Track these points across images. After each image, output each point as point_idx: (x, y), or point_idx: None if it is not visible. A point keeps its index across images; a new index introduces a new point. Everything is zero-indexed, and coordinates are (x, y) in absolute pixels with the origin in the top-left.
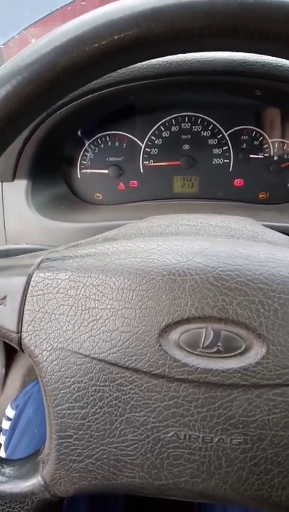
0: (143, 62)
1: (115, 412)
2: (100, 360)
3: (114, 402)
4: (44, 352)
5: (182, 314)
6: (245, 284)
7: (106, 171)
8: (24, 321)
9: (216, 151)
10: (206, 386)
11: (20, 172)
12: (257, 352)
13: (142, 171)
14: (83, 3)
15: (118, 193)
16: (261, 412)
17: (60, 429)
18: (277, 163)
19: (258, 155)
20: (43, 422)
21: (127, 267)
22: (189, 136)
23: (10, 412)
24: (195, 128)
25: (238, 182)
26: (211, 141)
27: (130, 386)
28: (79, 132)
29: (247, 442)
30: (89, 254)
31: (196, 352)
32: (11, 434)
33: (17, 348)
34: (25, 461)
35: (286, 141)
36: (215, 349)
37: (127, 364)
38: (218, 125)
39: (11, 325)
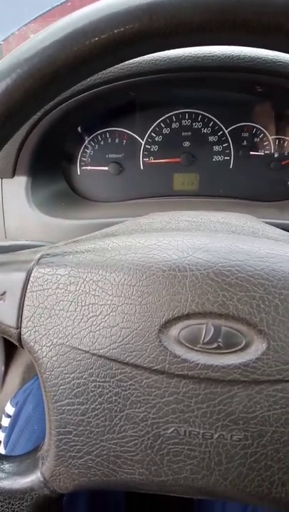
0: (143, 58)
1: (115, 408)
2: (100, 356)
3: (114, 398)
4: (44, 348)
5: (182, 310)
6: (246, 280)
7: (106, 168)
8: (24, 317)
9: (216, 148)
10: (206, 382)
11: (20, 168)
12: (257, 348)
13: (142, 168)
14: None
15: (118, 190)
16: (261, 408)
17: (59, 425)
18: (277, 161)
19: (258, 152)
20: (43, 418)
21: (127, 263)
22: (189, 133)
23: (9, 409)
24: (195, 125)
25: (238, 179)
26: (211, 138)
27: (130, 382)
28: (79, 128)
29: (247, 438)
30: (89, 249)
31: (196, 348)
32: (10, 430)
33: (16, 343)
34: (25, 458)
35: (287, 138)
36: (215, 345)
37: (127, 360)
38: (218, 122)
39: (10, 320)
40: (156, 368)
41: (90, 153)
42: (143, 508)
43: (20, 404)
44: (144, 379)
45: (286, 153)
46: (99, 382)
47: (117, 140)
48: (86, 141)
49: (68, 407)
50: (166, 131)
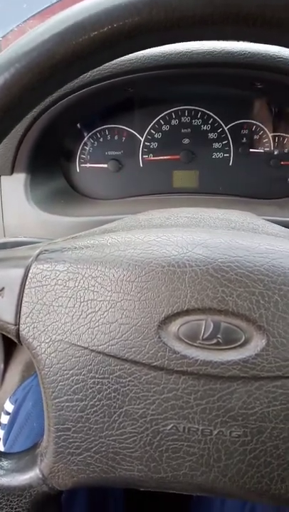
0: (143, 54)
1: (114, 405)
2: (99, 353)
3: (113, 394)
4: (42, 344)
5: (182, 306)
6: (246, 276)
7: (105, 165)
8: (22, 313)
9: (215, 145)
10: (206, 378)
11: (18, 165)
12: (257, 344)
13: (141, 165)
14: None
15: (117, 187)
16: (261, 405)
17: (58, 422)
18: (277, 158)
19: (258, 149)
20: (42, 415)
21: (126, 259)
22: (189, 129)
23: (9, 407)
24: (195, 122)
25: (238, 176)
26: (210, 135)
27: (129, 378)
28: (78, 125)
29: (246, 435)
30: (88, 245)
31: (195, 344)
32: (9, 428)
33: (15, 340)
34: (24, 455)
35: (286, 135)
36: (214, 341)
37: (126, 356)
38: (218, 119)
39: (8, 317)
40: (155, 364)
41: (89, 150)
42: (142, 505)
43: (20, 401)
44: (143, 375)
45: (286, 151)
46: (98, 378)
47: (116, 137)
48: (85, 138)
49: (67, 404)
50: (165, 128)
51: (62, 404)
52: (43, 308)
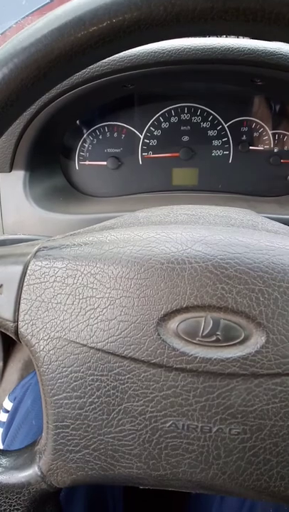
0: (142, 50)
1: (113, 402)
2: (98, 350)
3: (112, 391)
4: (41, 341)
5: (181, 303)
6: (245, 273)
7: (104, 163)
8: (21, 310)
9: (215, 142)
10: (205, 375)
11: (17, 162)
12: (256, 341)
13: (140, 162)
14: None
15: (117, 185)
16: (260, 402)
17: (57, 419)
18: (277, 156)
19: (257, 147)
20: (41, 413)
21: (125, 256)
22: (189, 127)
23: (7, 404)
24: (194, 119)
25: (237, 174)
26: (210, 133)
27: (128, 375)
28: (77, 122)
29: (246, 432)
30: (87, 242)
31: (194, 341)
32: (8, 425)
33: (14, 337)
34: (22, 452)
35: (287, 133)
36: (214, 338)
37: (125, 353)
38: (217, 116)
39: (7, 314)
40: (154, 361)
41: (88, 148)
42: (141, 503)
43: (19, 399)
44: (143, 372)
45: (286, 148)
46: (97, 375)
47: (115, 134)
48: (84, 135)
49: (66, 401)
50: (165, 125)
51: (61, 402)
52: (41, 305)
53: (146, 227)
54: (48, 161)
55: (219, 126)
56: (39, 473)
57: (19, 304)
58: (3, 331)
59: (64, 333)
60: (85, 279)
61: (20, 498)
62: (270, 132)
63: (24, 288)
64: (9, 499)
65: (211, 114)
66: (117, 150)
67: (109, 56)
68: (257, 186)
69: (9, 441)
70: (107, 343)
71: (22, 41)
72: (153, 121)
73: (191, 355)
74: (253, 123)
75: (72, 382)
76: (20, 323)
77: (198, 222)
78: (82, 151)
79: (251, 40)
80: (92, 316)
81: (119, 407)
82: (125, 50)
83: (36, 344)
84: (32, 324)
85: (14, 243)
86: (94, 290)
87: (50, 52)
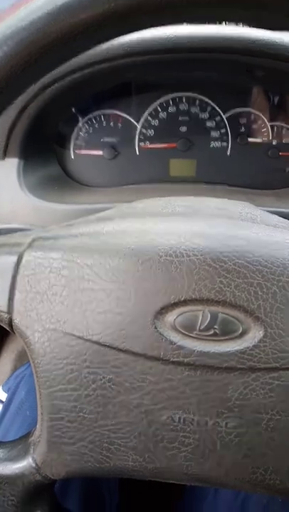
0: (140, 38)
1: (109, 395)
2: (94, 342)
3: (108, 384)
4: (36, 333)
5: (179, 296)
6: (244, 266)
7: (100, 152)
8: (15, 301)
9: (213, 133)
10: (202, 369)
11: (11, 150)
12: (254, 335)
13: (137, 152)
14: None
15: (113, 175)
16: (257, 396)
17: (51, 411)
18: (276, 148)
19: (256, 139)
20: (35, 404)
21: (122, 247)
22: (187, 117)
23: (1, 395)
24: (193, 109)
25: (236, 166)
26: (209, 124)
27: (124, 368)
28: (73, 109)
29: (242, 426)
30: (83, 233)
31: (192, 334)
32: (2, 416)
33: (8, 328)
34: (16, 443)
35: (285, 125)
36: (212, 332)
37: (122, 346)
38: (216, 107)
39: (1, 305)
40: (151, 354)
41: (84, 137)
42: (136, 495)
43: (13, 389)
44: (139, 365)
45: (284, 141)
46: (92, 368)
47: (112, 123)
48: (80, 124)
49: (61, 393)
50: (162, 115)
51: (56, 394)
52: (36, 296)
53: (143, 219)
54: (42, 149)
55: (218, 117)
56: (33, 464)
57: (13, 295)
58: None
59: (59, 324)
60: (81, 270)
61: (14, 489)
62: (268, 124)
63: (19, 279)
64: (3, 490)
65: (210, 105)
66: (113, 139)
67: (103, 42)
68: (255, 179)
69: (3, 432)
70: (103, 335)
71: (14, 25)
72: (151, 111)
73: (189, 348)
74: (251, 115)
75: (68, 375)
76: (15, 315)
77: (196, 214)
78: (78, 140)
79: (250, 29)
80: (88, 308)
81: (115, 400)
82: (119, 36)
83: (31, 336)
84: (26, 315)
85: (8, 233)
86: (90, 282)
87: (43, 38)
